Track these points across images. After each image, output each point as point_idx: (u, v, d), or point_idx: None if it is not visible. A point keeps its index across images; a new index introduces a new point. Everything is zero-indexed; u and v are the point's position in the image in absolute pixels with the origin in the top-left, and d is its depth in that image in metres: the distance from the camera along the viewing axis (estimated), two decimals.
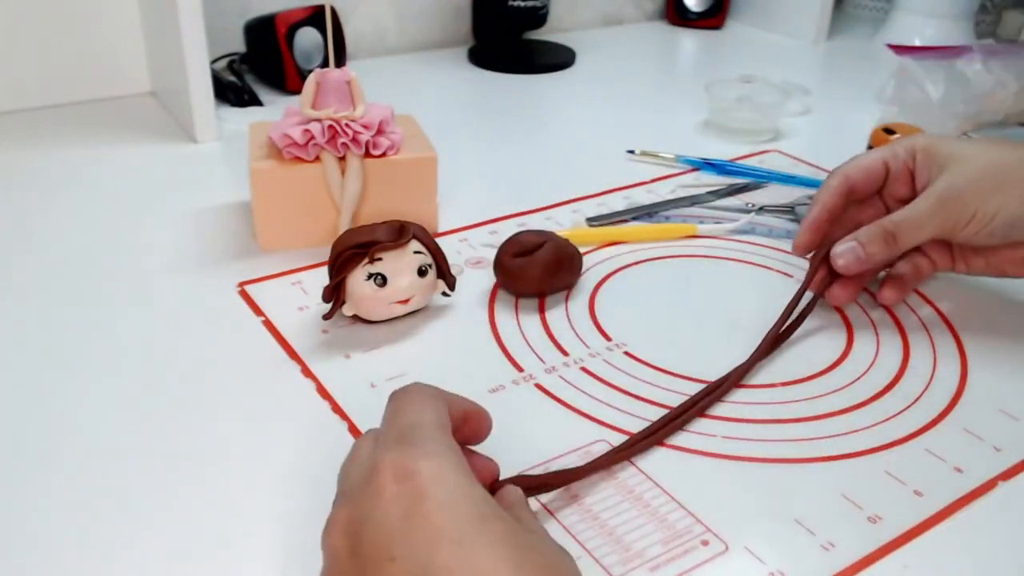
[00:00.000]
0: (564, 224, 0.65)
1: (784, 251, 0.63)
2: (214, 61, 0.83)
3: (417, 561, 0.28)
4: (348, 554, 0.30)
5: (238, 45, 0.92)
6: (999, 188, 0.50)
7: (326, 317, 0.50)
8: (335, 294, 0.50)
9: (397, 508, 0.30)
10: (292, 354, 0.49)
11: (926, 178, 0.52)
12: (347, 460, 0.35)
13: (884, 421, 0.46)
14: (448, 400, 0.36)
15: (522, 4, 1.01)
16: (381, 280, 0.49)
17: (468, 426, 0.37)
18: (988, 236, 0.51)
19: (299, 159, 0.57)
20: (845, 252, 0.51)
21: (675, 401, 0.47)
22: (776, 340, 0.51)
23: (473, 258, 0.60)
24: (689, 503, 0.40)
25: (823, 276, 0.54)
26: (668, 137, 0.82)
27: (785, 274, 0.60)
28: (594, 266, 0.60)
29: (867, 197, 0.56)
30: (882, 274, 0.57)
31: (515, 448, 0.43)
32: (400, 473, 0.30)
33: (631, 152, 0.78)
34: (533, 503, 0.40)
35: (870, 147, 0.80)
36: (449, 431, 0.34)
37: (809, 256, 0.55)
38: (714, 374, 0.49)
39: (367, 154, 0.58)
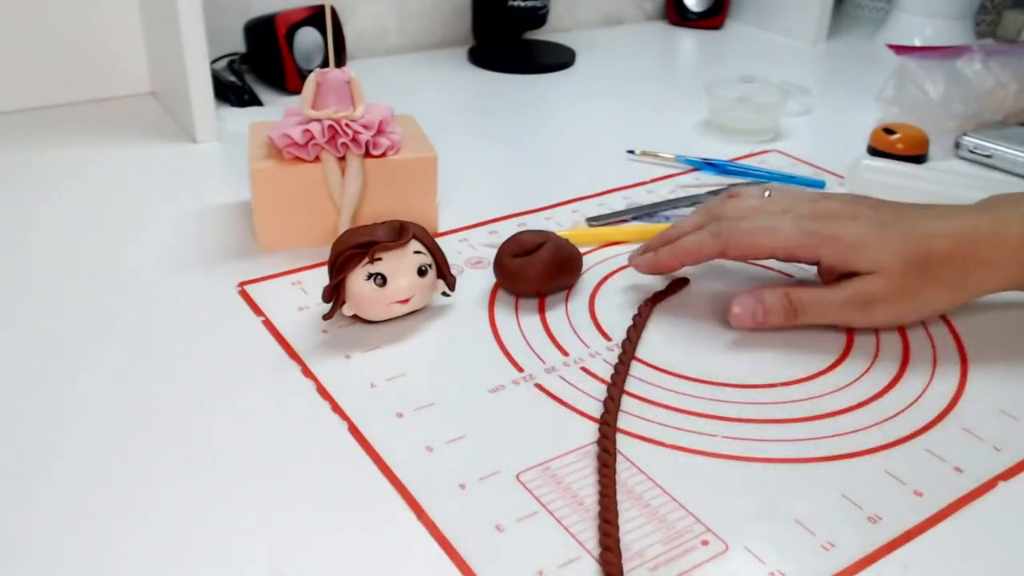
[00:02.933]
0: (564, 224, 0.65)
1: None
2: (214, 61, 0.83)
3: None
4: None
5: (238, 45, 0.92)
6: (915, 305, 0.51)
7: (326, 317, 0.50)
8: (335, 294, 0.50)
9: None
10: (292, 354, 0.49)
11: (832, 274, 0.52)
12: None
13: (884, 421, 0.46)
14: None
15: (522, 4, 1.01)
16: (381, 280, 0.49)
17: None
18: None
19: (299, 159, 0.57)
20: (744, 312, 0.51)
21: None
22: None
23: (473, 258, 0.60)
24: (689, 503, 0.40)
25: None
26: (668, 137, 0.82)
27: (786, 274, 0.60)
28: (594, 266, 0.60)
29: None
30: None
31: (515, 448, 0.43)
32: None
33: (631, 152, 0.78)
34: (529, 504, 0.40)
35: (870, 147, 0.80)
36: None
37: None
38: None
39: (367, 154, 0.58)
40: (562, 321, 0.54)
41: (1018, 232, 0.49)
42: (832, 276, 0.52)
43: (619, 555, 0.37)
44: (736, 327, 0.51)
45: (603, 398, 0.46)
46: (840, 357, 0.51)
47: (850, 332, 0.54)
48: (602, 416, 0.45)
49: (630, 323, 0.53)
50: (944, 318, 0.56)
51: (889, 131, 0.79)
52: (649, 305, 0.55)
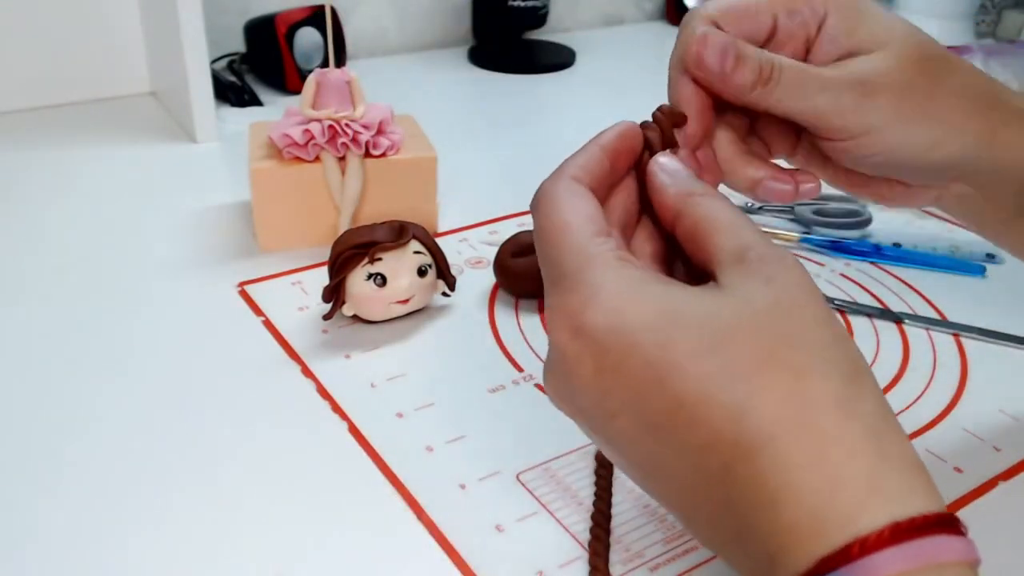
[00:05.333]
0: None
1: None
2: (214, 61, 0.83)
3: (634, 409, 0.27)
4: (575, 413, 0.30)
5: (238, 45, 0.92)
6: (923, 119, 0.36)
7: (326, 317, 0.50)
8: (335, 294, 0.50)
9: (585, 367, 0.28)
10: (292, 354, 0.49)
11: (831, 52, 0.36)
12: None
13: None
14: (585, 173, 0.33)
15: (522, 4, 1.01)
16: (381, 280, 0.49)
17: (620, 163, 0.34)
18: (874, 166, 0.37)
19: (299, 159, 0.57)
20: (716, 44, 0.34)
21: None
22: None
23: (473, 258, 0.60)
24: None
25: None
26: None
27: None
28: None
29: None
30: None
31: (515, 448, 0.43)
32: (570, 329, 0.28)
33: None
34: (529, 504, 0.40)
35: None
36: (600, 231, 0.30)
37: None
38: None
39: (367, 154, 0.58)
40: None
41: None
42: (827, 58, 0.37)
43: (607, 560, 0.37)
44: (694, 69, 0.35)
45: None
46: None
47: (849, 332, 0.54)
48: None
49: None
50: (942, 315, 0.56)
51: None
52: None
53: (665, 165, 0.33)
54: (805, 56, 0.37)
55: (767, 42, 0.36)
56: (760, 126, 0.39)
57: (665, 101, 0.37)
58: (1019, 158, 0.37)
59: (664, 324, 0.27)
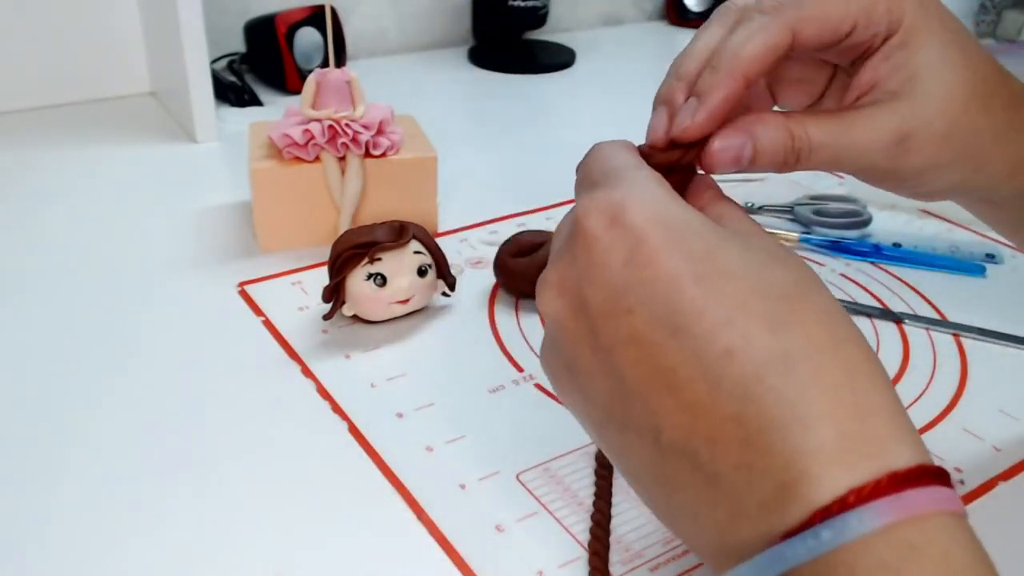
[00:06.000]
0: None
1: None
2: (214, 61, 0.83)
3: (659, 305, 0.26)
4: (572, 315, 0.28)
5: (238, 45, 0.92)
6: (965, 157, 0.34)
7: (326, 317, 0.50)
8: (335, 294, 0.50)
9: (615, 257, 0.27)
10: (292, 354, 0.49)
11: (880, 76, 0.34)
12: (561, 221, 0.31)
13: None
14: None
15: (522, 4, 1.01)
16: (381, 280, 0.49)
17: None
18: (911, 194, 0.36)
19: (299, 159, 0.57)
20: (726, 149, 0.32)
21: None
22: None
23: (473, 258, 0.60)
24: None
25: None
26: None
27: None
28: None
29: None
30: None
31: (515, 448, 0.43)
32: (607, 218, 0.28)
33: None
34: (529, 504, 0.40)
35: None
36: (644, 165, 0.30)
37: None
38: None
39: (367, 154, 0.58)
40: None
41: None
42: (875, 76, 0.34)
43: (607, 559, 0.37)
44: (712, 170, 0.33)
45: None
46: None
47: None
48: None
49: None
50: (942, 315, 0.56)
51: None
52: None
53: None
54: (858, 65, 0.34)
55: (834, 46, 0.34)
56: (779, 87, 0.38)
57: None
58: None
59: (709, 231, 0.27)
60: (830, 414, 0.25)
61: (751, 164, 0.33)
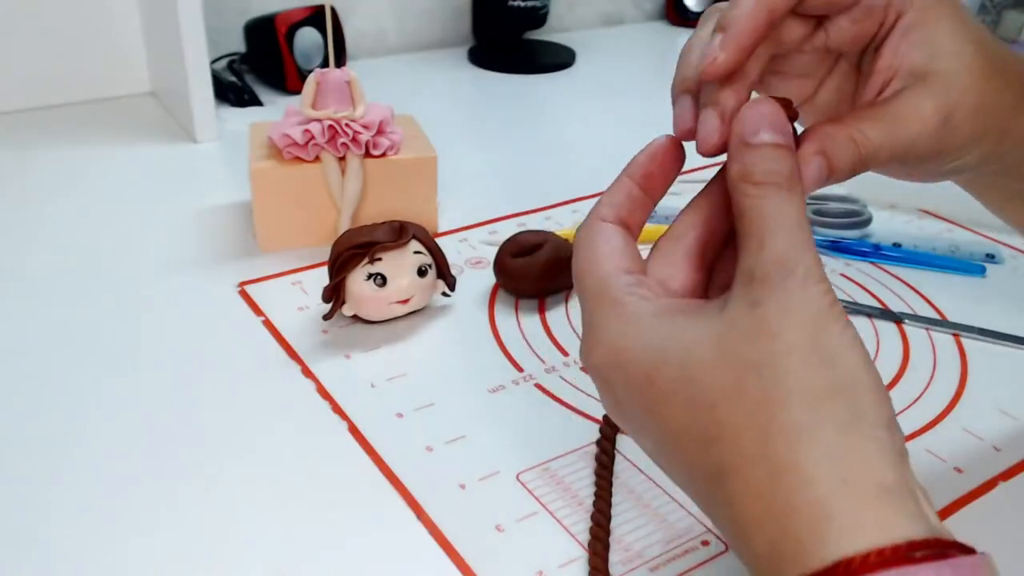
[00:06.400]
0: (564, 224, 0.65)
1: None
2: (214, 61, 0.83)
3: (646, 435, 0.29)
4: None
5: (238, 45, 0.92)
6: (988, 134, 0.34)
7: (326, 317, 0.50)
8: (335, 294, 0.50)
9: (608, 398, 0.30)
10: (292, 354, 0.49)
11: (903, 58, 0.33)
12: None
13: None
14: (612, 209, 0.32)
15: (522, 4, 1.01)
16: (381, 280, 0.49)
17: (655, 183, 0.33)
18: (931, 176, 0.36)
19: (299, 159, 0.57)
20: (813, 168, 0.30)
21: None
22: None
23: (473, 258, 0.60)
24: (689, 503, 0.40)
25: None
26: None
27: None
28: None
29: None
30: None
31: (515, 448, 0.43)
32: (588, 367, 0.31)
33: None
34: (529, 504, 0.40)
35: None
36: (619, 268, 0.31)
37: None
38: None
39: (367, 154, 0.58)
40: (562, 321, 0.54)
41: None
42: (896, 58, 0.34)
43: (606, 559, 0.37)
44: (807, 189, 0.30)
45: None
46: None
47: None
48: (603, 416, 0.45)
49: None
50: (942, 315, 0.56)
51: None
52: None
53: (750, 122, 0.29)
54: (870, 37, 0.34)
55: (845, 10, 0.33)
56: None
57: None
58: None
59: (652, 360, 0.28)
60: (767, 519, 0.26)
61: (831, 177, 0.31)
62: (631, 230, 0.32)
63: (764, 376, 0.26)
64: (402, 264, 0.50)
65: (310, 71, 0.58)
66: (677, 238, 0.32)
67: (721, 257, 0.32)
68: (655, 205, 0.33)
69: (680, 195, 0.38)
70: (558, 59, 1.05)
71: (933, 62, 0.33)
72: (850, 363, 0.27)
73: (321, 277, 0.53)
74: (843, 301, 0.57)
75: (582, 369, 0.32)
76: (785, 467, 0.25)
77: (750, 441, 0.26)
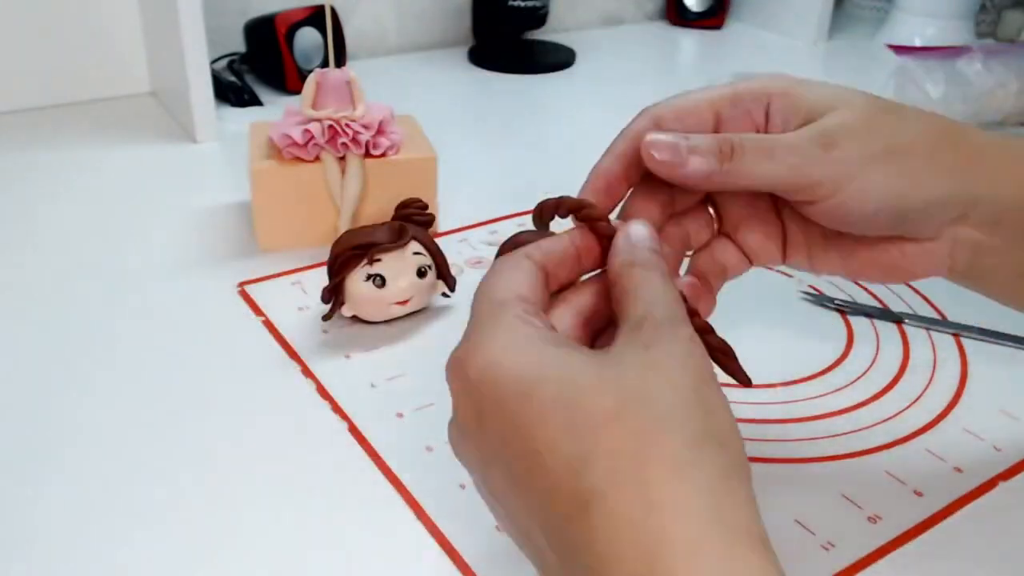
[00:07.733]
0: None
1: None
2: (214, 61, 0.83)
3: (505, 461, 0.28)
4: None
5: (238, 45, 0.92)
6: (893, 156, 0.35)
7: (325, 318, 0.50)
8: (334, 295, 0.50)
9: (468, 415, 0.29)
10: (292, 354, 0.49)
11: (785, 128, 0.36)
12: None
13: (884, 421, 0.46)
14: (541, 252, 0.34)
15: (522, 4, 1.01)
16: (380, 281, 0.49)
17: (563, 271, 0.34)
18: (864, 221, 0.36)
19: (299, 159, 0.57)
20: (664, 143, 0.35)
21: None
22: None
23: (473, 258, 0.60)
24: None
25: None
26: None
27: (785, 274, 0.60)
28: None
29: None
30: (685, 278, 0.39)
31: None
32: (459, 378, 0.30)
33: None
34: None
35: None
36: (519, 298, 0.31)
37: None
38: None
39: (367, 154, 0.58)
40: None
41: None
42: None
43: None
44: (656, 172, 0.35)
45: None
46: (840, 357, 0.51)
47: (850, 332, 0.54)
48: None
49: None
50: (943, 315, 0.56)
51: None
52: None
53: (632, 234, 0.33)
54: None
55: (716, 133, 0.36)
56: (741, 236, 0.39)
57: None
58: (1003, 192, 0.36)
59: (531, 377, 0.27)
60: (631, 550, 0.25)
61: (687, 161, 0.34)
62: (551, 279, 0.33)
63: (649, 406, 0.26)
64: (402, 265, 0.50)
65: (310, 71, 0.58)
66: (568, 302, 0.33)
67: (603, 333, 0.33)
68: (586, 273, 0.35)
69: None
70: (558, 59, 1.05)
71: (814, 113, 0.35)
72: (727, 420, 0.27)
73: (321, 277, 0.53)
74: (843, 301, 0.57)
75: (447, 380, 0.31)
76: (662, 497, 0.25)
77: (628, 466, 0.25)
